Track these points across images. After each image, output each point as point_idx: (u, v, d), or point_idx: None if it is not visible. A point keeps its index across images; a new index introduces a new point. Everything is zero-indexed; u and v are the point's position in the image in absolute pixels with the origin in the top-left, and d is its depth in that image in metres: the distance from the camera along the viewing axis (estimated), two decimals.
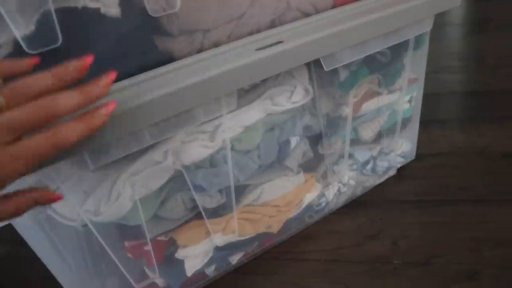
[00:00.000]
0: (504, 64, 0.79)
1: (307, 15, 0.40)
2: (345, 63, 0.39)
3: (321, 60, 0.38)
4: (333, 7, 0.41)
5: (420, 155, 0.58)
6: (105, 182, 0.34)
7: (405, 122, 0.52)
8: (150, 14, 0.32)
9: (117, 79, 0.32)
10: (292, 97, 0.40)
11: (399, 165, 0.56)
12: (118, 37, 0.31)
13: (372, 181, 0.54)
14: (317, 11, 0.40)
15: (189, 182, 0.37)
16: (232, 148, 0.38)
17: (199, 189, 0.38)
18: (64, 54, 0.29)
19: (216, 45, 0.36)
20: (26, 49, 0.28)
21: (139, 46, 0.33)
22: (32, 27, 0.28)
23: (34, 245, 0.39)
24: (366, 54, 0.40)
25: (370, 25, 0.38)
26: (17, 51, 0.28)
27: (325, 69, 0.38)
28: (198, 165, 0.37)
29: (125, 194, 0.34)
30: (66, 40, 0.29)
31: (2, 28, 0.27)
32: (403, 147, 0.55)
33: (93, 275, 0.40)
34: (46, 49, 0.29)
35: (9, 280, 0.53)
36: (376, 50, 0.41)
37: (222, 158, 0.38)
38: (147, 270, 0.42)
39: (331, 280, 0.44)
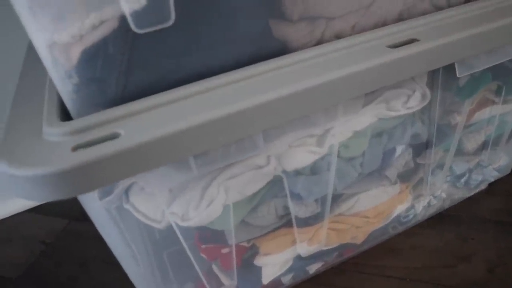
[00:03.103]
0: None
1: (438, 8, 0.32)
2: (479, 69, 0.32)
3: (455, 64, 0.30)
4: (467, 1, 0.33)
5: None
6: (197, 184, 0.28)
7: (511, 134, 0.44)
8: None
9: (229, 67, 0.26)
10: (409, 102, 0.33)
11: (492, 179, 0.48)
12: (232, 17, 0.25)
13: (461, 194, 0.47)
14: (450, 5, 0.32)
15: (287, 190, 0.31)
16: (338, 155, 0.32)
17: (296, 197, 0.32)
18: (174, 35, 0.23)
19: (338, 36, 0.29)
20: (134, 27, 0.22)
21: (253, 31, 0.26)
22: (143, 1, 0.22)
23: (101, 230, 0.34)
24: (501, 61, 0.33)
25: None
26: (122, 29, 0.22)
27: (458, 75, 0.31)
28: (298, 172, 0.31)
29: (218, 199, 0.29)
30: (178, 18, 0.23)
31: (110, 0, 0.21)
32: (501, 161, 0.47)
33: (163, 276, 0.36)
34: (155, 28, 0.23)
35: (66, 257, 0.49)
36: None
37: (326, 165, 0.31)
38: (220, 274, 0.37)
39: None
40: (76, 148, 0.21)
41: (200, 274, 0.34)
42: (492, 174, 0.48)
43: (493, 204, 0.47)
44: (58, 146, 0.21)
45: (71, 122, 0.23)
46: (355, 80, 0.25)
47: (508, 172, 0.50)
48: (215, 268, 0.37)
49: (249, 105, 0.23)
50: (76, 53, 0.22)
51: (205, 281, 0.35)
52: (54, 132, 0.22)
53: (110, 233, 0.33)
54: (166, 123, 0.22)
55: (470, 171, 0.45)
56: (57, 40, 0.22)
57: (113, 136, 0.21)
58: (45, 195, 0.21)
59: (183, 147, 0.22)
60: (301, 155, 0.30)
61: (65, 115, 0.25)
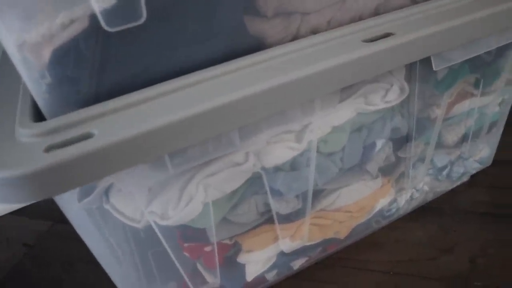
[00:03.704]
0: None
1: (414, 2, 0.32)
2: (455, 62, 0.32)
3: (431, 58, 0.31)
4: None
5: (494, 161, 0.51)
6: (175, 182, 0.28)
7: (491, 126, 0.45)
8: None
9: (204, 65, 0.26)
10: (387, 95, 0.33)
11: (474, 171, 0.49)
12: (206, 14, 0.25)
13: (444, 187, 0.48)
14: None
15: (267, 186, 0.31)
16: (317, 150, 0.32)
17: (277, 193, 0.32)
18: (146, 33, 0.23)
19: (314, 31, 0.29)
20: (105, 26, 0.22)
21: (227, 27, 0.26)
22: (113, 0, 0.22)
23: (80, 232, 0.34)
24: (478, 53, 0.33)
25: (491, 19, 0.30)
26: (93, 28, 0.22)
27: (434, 68, 0.31)
28: (277, 168, 0.31)
29: (197, 197, 0.29)
30: (149, 16, 0.23)
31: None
32: (482, 153, 0.47)
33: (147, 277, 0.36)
34: (127, 26, 0.23)
35: (49, 259, 0.49)
36: (490, 49, 0.33)
37: (305, 161, 0.32)
38: (204, 272, 0.37)
39: None
40: (49, 149, 0.21)
41: (182, 273, 0.34)
42: (473, 166, 0.48)
43: (475, 196, 0.48)
44: (31, 147, 0.21)
45: (43, 122, 0.23)
46: (330, 75, 0.25)
47: (489, 163, 0.50)
48: (199, 266, 0.37)
49: (224, 101, 0.23)
50: (47, 52, 0.22)
51: (187, 280, 0.35)
52: (27, 133, 0.22)
53: (91, 235, 0.33)
54: (139, 122, 0.22)
55: (452, 163, 0.45)
56: (27, 39, 0.22)
57: (87, 136, 0.21)
58: (19, 197, 0.21)
59: (157, 146, 0.22)
60: (280, 151, 0.30)
61: (39, 116, 0.24)
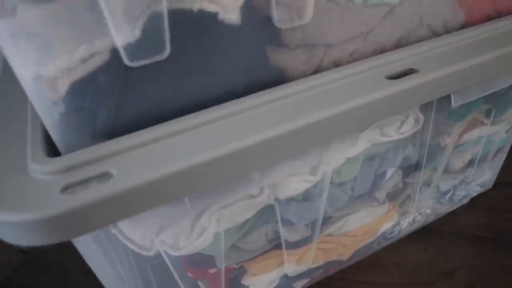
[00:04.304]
0: None
1: (436, 34, 0.32)
2: (473, 98, 0.32)
3: (451, 95, 0.30)
4: (463, 26, 0.33)
5: (495, 183, 0.51)
6: (188, 214, 0.28)
7: (497, 151, 0.45)
8: (276, 24, 0.24)
9: (226, 97, 0.25)
10: (402, 127, 0.33)
11: (475, 194, 0.49)
12: (231, 49, 0.24)
13: (444, 209, 0.48)
14: (447, 31, 0.32)
15: (278, 216, 0.31)
16: (330, 181, 0.31)
17: (288, 223, 0.32)
18: (168, 67, 0.22)
19: (336, 63, 0.28)
20: (126, 61, 0.21)
21: (248, 58, 0.25)
22: (137, 34, 0.20)
23: (84, 253, 0.33)
24: (496, 89, 0.33)
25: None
26: (113, 62, 0.21)
27: (453, 104, 0.31)
28: (290, 198, 0.31)
29: (210, 229, 0.28)
30: (173, 51, 0.22)
31: (101, 32, 0.20)
32: (485, 177, 0.48)
33: None
34: (149, 61, 0.22)
35: (45, 267, 0.48)
36: (507, 84, 0.33)
37: (318, 192, 0.31)
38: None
39: None
40: (65, 189, 0.20)
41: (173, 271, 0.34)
42: (475, 189, 0.49)
43: (474, 218, 0.48)
44: (46, 185, 0.20)
45: (59, 158, 0.21)
46: (355, 115, 0.25)
47: (490, 186, 0.51)
48: (201, 285, 0.37)
49: (249, 142, 0.22)
50: (64, 85, 0.21)
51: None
52: (41, 170, 0.21)
53: (94, 255, 0.32)
54: (161, 163, 0.21)
55: (455, 187, 0.46)
56: (43, 72, 0.20)
57: (105, 176, 0.20)
58: (31, 240, 0.20)
59: (181, 188, 0.21)
60: (295, 184, 0.29)
61: (51, 147, 0.23)
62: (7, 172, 0.21)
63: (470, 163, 0.44)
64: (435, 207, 0.46)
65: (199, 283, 0.36)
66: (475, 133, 0.40)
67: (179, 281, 0.34)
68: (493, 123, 0.40)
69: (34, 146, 0.23)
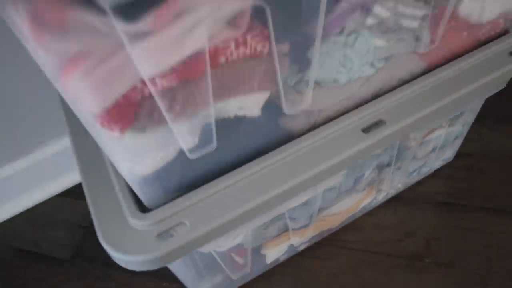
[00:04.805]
0: None
1: (403, 82, 0.41)
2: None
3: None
4: (424, 72, 0.42)
5: (456, 154, 0.64)
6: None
7: (456, 138, 0.57)
8: (285, 112, 0.35)
9: (249, 159, 0.36)
10: None
11: (438, 167, 0.62)
12: (255, 130, 0.35)
13: (413, 181, 0.61)
14: (412, 78, 0.42)
15: (287, 217, 0.44)
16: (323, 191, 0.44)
17: (293, 219, 0.45)
18: (216, 154, 0.33)
19: (327, 119, 0.39)
20: (188, 156, 0.32)
21: (266, 132, 0.36)
22: (196, 141, 0.31)
23: None
24: (446, 119, 0.44)
25: (463, 97, 0.41)
26: (180, 156, 0.32)
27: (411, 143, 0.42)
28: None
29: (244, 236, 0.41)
30: (218, 144, 0.33)
31: (173, 143, 0.31)
32: (446, 154, 0.60)
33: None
34: (203, 154, 0.33)
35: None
36: (459, 112, 0.44)
37: (314, 200, 0.44)
38: (238, 259, 0.51)
39: (377, 272, 0.54)
40: (158, 235, 0.33)
41: (223, 265, 0.49)
42: (438, 164, 0.62)
43: (435, 187, 0.62)
44: (145, 235, 0.33)
45: (151, 214, 0.33)
46: (341, 164, 0.37)
47: (451, 159, 0.64)
48: (233, 255, 0.51)
49: (278, 191, 0.34)
50: (149, 172, 0.32)
51: (228, 271, 0.49)
52: (139, 223, 0.33)
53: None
54: (218, 213, 0.33)
55: (421, 166, 0.59)
56: (136, 168, 0.32)
57: (182, 225, 0.33)
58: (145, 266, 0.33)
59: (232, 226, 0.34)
60: (301, 199, 0.42)
61: (138, 202, 0.35)
62: (112, 224, 0.34)
63: (433, 150, 0.56)
64: (405, 181, 0.59)
65: (232, 254, 0.51)
66: (436, 133, 0.52)
67: (214, 254, 0.48)
68: (450, 125, 0.52)
69: (128, 203, 0.35)
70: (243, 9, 0.25)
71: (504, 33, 0.47)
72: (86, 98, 0.24)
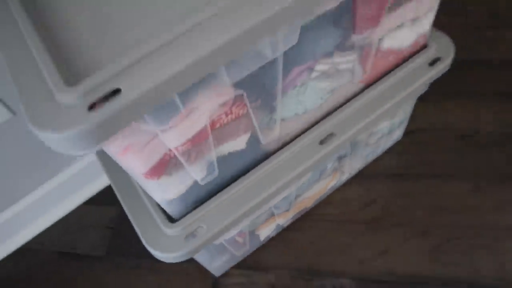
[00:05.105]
0: None
1: (348, 99, 0.56)
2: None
3: None
4: (363, 89, 0.57)
5: (405, 132, 0.79)
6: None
7: (401, 122, 0.73)
8: (262, 142, 0.49)
9: (238, 177, 0.51)
10: None
11: (390, 145, 0.78)
12: (242, 157, 0.49)
13: (370, 160, 0.77)
14: (355, 95, 0.56)
15: (273, 208, 0.60)
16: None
17: (277, 207, 0.61)
18: (218, 178, 0.48)
19: (293, 138, 0.53)
20: (200, 182, 0.47)
21: (251, 155, 0.51)
22: (204, 173, 0.46)
23: None
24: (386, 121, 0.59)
25: (395, 105, 0.56)
26: (195, 184, 0.47)
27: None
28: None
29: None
30: (219, 170, 0.47)
31: (191, 179, 0.45)
32: (394, 135, 0.76)
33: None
34: (209, 179, 0.47)
35: (134, 235, 0.78)
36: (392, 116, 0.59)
37: (291, 193, 0.60)
38: (238, 239, 0.67)
39: (344, 235, 0.71)
40: (185, 238, 0.48)
41: (228, 247, 0.64)
42: (390, 143, 0.77)
43: (389, 161, 0.78)
44: (174, 238, 0.48)
45: (178, 223, 0.48)
46: (304, 171, 0.52)
47: (400, 137, 0.79)
48: (236, 238, 0.67)
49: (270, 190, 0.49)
50: (175, 197, 0.47)
51: (233, 250, 0.65)
52: (170, 230, 0.48)
53: None
54: (225, 216, 0.48)
55: (374, 149, 0.74)
56: (164, 196, 0.46)
57: (201, 228, 0.48)
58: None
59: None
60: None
61: (167, 215, 0.50)
62: (151, 233, 0.49)
63: (381, 137, 0.71)
64: (363, 162, 0.75)
65: (235, 237, 0.67)
66: (380, 126, 0.67)
67: (223, 241, 0.64)
68: (391, 118, 0.67)
69: (160, 217, 0.49)
70: (230, 97, 0.39)
71: (424, 46, 0.61)
72: (138, 165, 0.38)
